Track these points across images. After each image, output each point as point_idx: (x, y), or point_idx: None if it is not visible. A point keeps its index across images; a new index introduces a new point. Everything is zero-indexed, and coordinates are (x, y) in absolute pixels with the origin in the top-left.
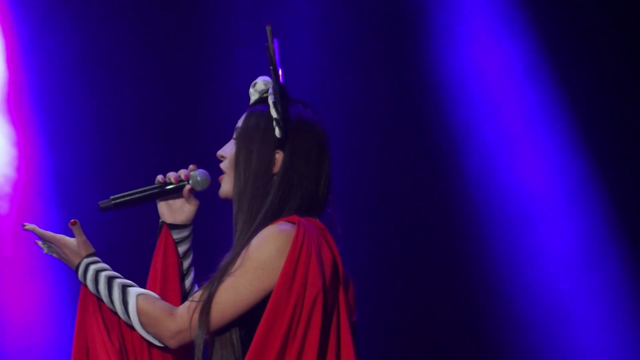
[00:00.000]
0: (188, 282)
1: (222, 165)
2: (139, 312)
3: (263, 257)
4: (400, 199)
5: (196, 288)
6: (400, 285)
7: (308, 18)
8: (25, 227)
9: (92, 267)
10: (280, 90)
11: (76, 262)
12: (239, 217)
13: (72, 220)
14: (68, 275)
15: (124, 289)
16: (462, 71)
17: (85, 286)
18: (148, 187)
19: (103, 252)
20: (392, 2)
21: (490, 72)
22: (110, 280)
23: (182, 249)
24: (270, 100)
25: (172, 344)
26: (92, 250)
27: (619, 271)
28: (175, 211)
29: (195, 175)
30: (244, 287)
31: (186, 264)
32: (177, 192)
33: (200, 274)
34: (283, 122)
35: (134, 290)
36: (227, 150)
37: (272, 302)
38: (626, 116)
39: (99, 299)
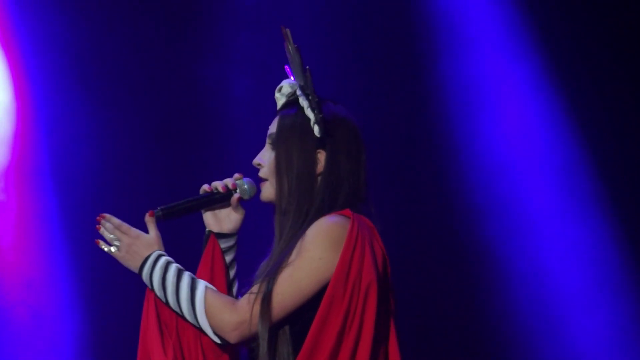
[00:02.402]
0: (234, 290)
1: (261, 174)
2: (206, 301)
3: (320, 248)
4: (403, 200)
5: (239, 297)
6: (401, 286)
7: (311, 20)
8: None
9: (164, 258)
10: (312, 90)
11: (146, 253)
12: (287, 217)
13: (150, 212)
14: (71, 270)
15: (193, 279)
16: (465, 74)
17: (151, 280)
18: (196, 197)
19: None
20: (398, 5)
21: (493, 74)
22: (180, 270)
23: (228, 258)
24: (304, 101)
25: (233, 336)
26: (163, 247)
27: (621, 272)
28: (222, 220)
29: (242, 184)
30: (303, 278)
31: (232, 273)
32: (224, 201)
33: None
34: (322, 121)
35: (203, 282)
36: (264, 158)
37: (328, 293)
38: (626, 116)
39: (161, 301)
